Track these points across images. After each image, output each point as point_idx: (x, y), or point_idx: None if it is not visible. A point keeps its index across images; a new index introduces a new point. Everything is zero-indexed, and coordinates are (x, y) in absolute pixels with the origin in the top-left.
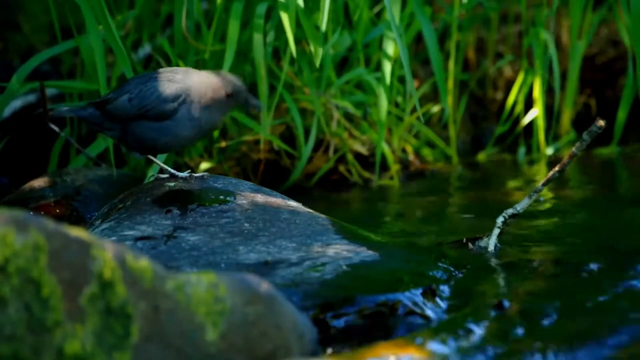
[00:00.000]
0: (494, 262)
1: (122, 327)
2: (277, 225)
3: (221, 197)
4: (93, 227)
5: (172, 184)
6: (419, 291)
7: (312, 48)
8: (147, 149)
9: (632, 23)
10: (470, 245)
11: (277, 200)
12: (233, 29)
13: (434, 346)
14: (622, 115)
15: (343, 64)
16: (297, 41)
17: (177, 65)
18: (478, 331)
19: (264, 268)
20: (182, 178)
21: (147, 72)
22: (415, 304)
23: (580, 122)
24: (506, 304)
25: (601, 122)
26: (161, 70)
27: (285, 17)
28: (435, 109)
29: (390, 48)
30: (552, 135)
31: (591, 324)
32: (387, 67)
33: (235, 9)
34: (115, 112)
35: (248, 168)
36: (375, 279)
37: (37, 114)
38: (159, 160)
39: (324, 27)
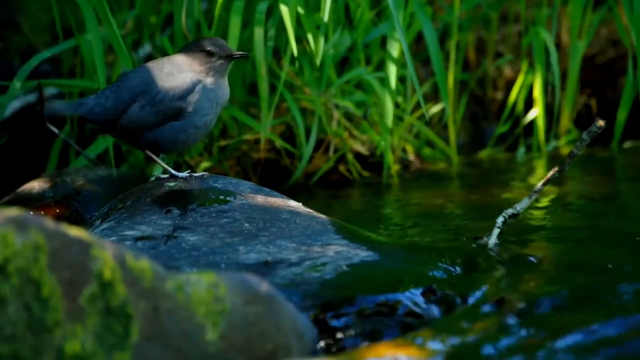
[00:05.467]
0: (493, 261)
1: (122, 327)
2: (277, 225)
3: (221, 197)
4: (93, 227)
5: (172, 184)
6: (419, 291)
7: (312, 47)
8: (166, 150)
9: (634, 22)
10: (470, 245)
11: (277, 200)
12: (234, 27)
13: (434, 346)
14: (622, 115)
15: (343, 64)
16: (298, 40)
17: None
18: (478, 330)
19: (264, 268)
20: (182, 178)
21: (128, 72)
22: (415, 304)
23: (581, 122)
24: (506, 303)
25: (601, 122)
26: (147, 66)
27: (286, 15)
28: (435, 109)
29: (394, 50)
30: (553, 135)
31: (592, 322)
32: (392, 70)
33: (236, 7)
34: (131, 125)
35: (248, 167)
36: (375, 279)
37: (35, 113)
38: (159, 159)
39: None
